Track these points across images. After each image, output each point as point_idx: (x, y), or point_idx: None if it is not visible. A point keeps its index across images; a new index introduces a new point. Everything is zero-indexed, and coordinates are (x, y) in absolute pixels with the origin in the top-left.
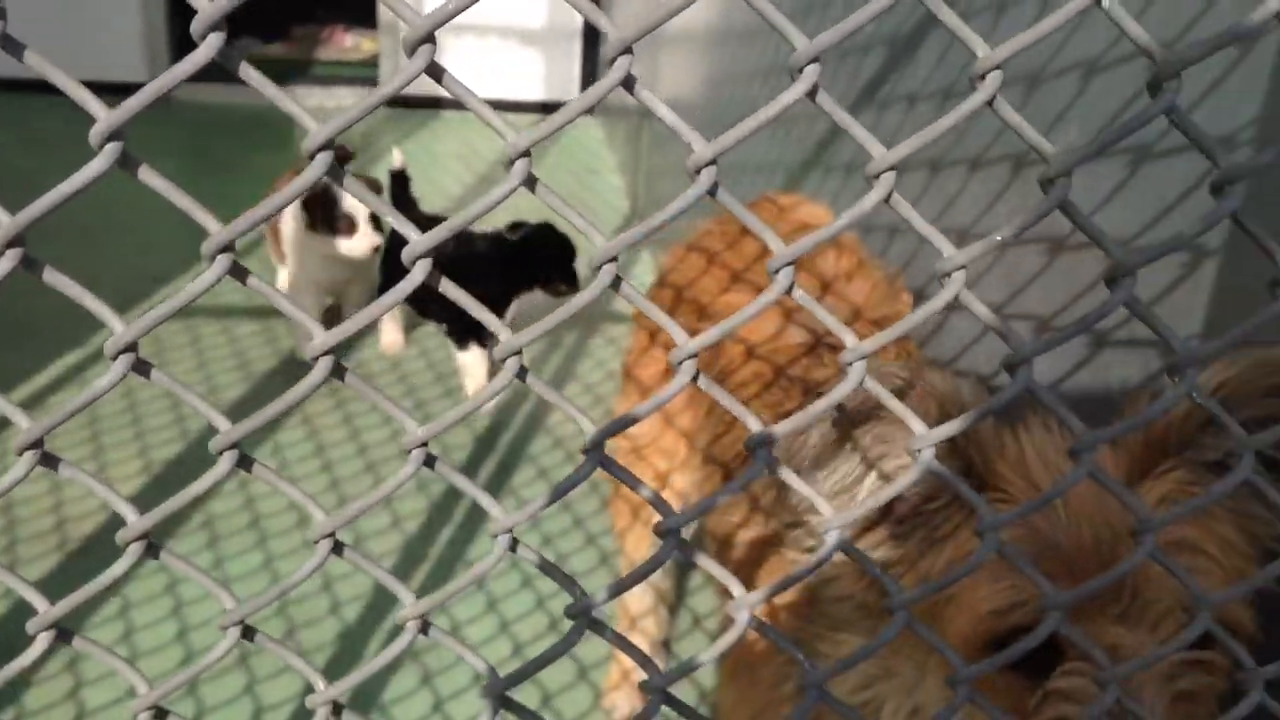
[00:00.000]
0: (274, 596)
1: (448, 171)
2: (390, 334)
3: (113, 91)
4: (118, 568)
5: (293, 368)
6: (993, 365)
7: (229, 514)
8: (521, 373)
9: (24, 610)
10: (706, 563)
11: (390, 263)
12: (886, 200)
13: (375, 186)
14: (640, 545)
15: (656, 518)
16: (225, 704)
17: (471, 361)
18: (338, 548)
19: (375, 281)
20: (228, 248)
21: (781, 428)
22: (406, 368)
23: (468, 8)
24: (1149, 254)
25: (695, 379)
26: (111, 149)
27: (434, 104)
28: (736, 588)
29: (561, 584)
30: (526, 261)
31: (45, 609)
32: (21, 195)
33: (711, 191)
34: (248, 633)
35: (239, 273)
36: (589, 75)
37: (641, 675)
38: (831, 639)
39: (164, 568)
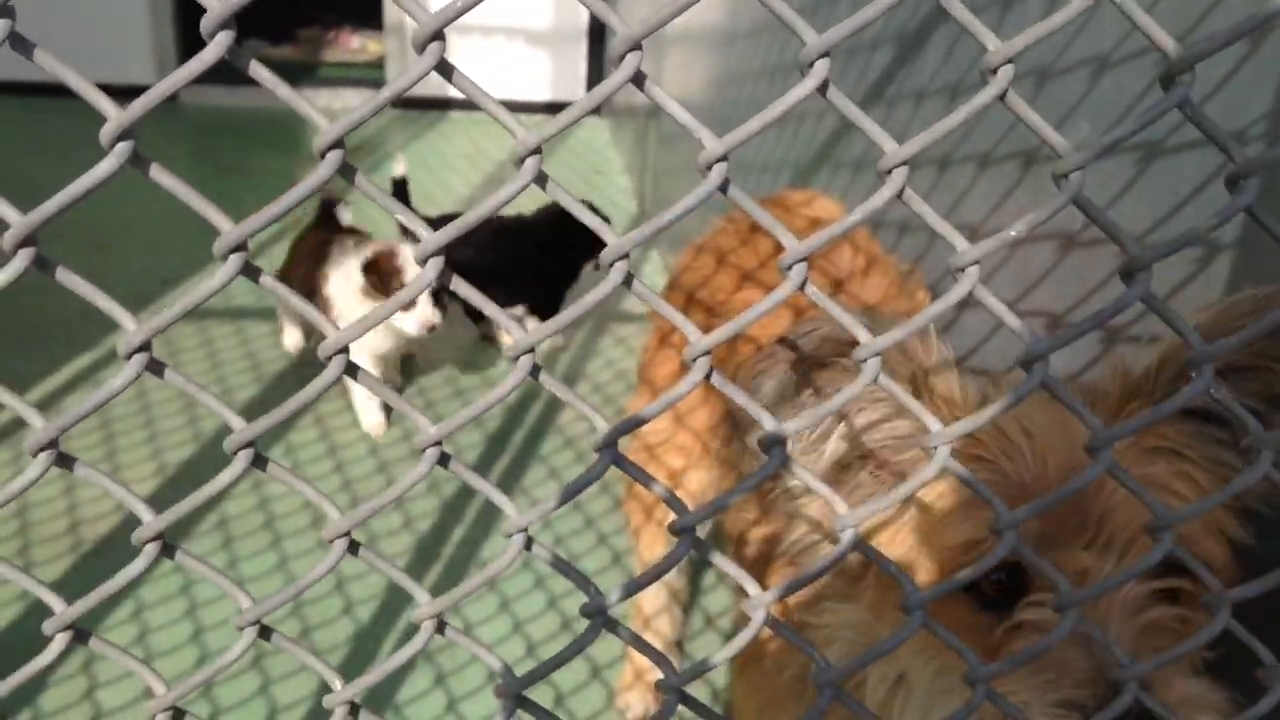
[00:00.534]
0: (290, 596)
1: (456, 172)
2: (372, 415)
3: (121, 94)
4: (134, 568)
5: (304, 368)
6: (1005, 362)
7: (243, 514)
8: (535, 370)
9: (39, 612)
10: (721, 561)
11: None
12: (899, 196)
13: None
14: (654, 545)
15: (671, 517)
16: (240, 704)
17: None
18: (353, 547)
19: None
20: (240, 247)
21: (793, 425)
22: (416, 369)
23: (477, 4)
24: (1164, 249)
25: (708, 377)
26: (122, 148)
27: (443, 105)
28: (752, 586)
29: (576, 583)
30: (586, 233)
31: (61, 609)
32: (31, 198)
33: (723, 187)
34: (264, 632)
35: (251, 272)
36: (595, 75)
37: (656, 675)
38: (815, 609)
39: (179, 568)
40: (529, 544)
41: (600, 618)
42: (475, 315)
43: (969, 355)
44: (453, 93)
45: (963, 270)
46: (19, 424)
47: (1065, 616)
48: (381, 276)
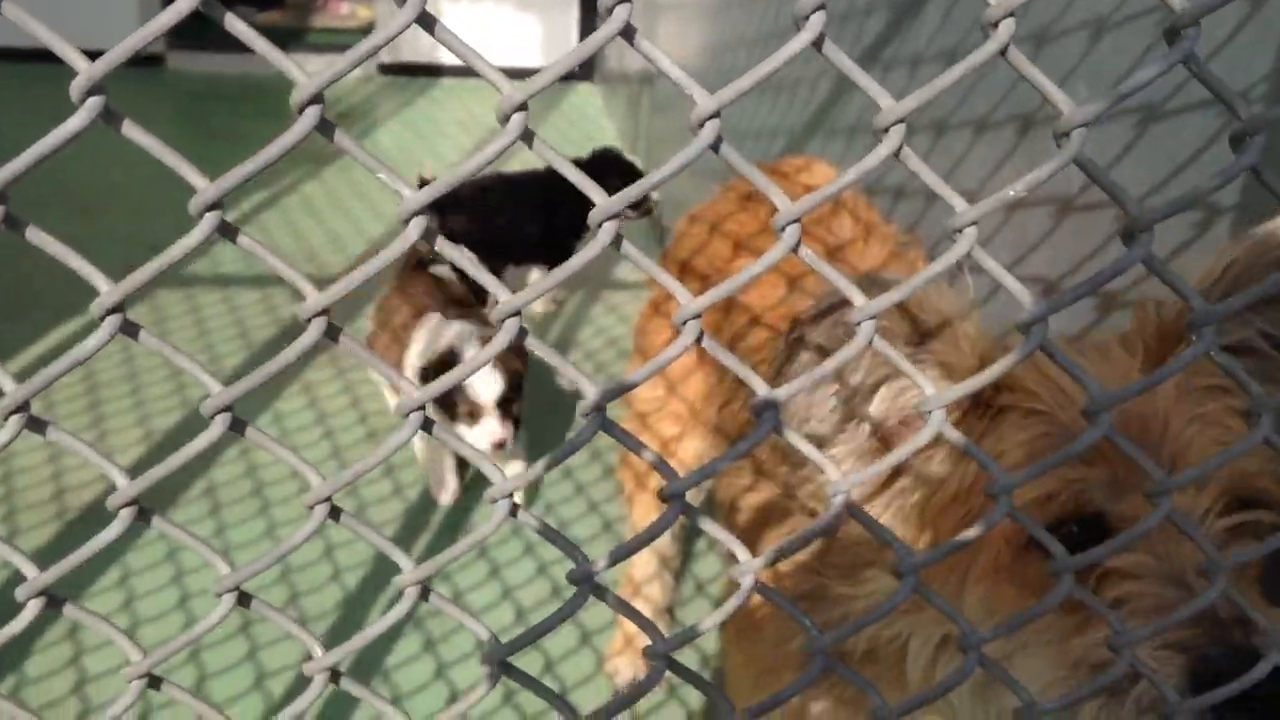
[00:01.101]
0: (270, 562)
1: (447, 138)
2: (452, 486)
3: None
4: (109, 533)
5: (294, 334)
6: (1000, 327)
7: (230, 481)
8: (522, 333)
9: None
10: (710, 527)
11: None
12: (896, 155)
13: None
14: (648, 513)
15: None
16: (227, 670)
17: None
18: (334, 513)
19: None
20: (215, 205)
21: (785, 391)
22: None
23: None
24: (1167, 209)
25: (699, 340)
26: (94, 103)
27: (433, 72)
28: (742, 552)
29: (563, 549)
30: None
31: (34, 575)
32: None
33: (715, 145)
34: (243, 599)
35: (228, 231)
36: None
37: (645, 641)
38: (854, 579)
39: (165, 535)
40: (514, 510)
41: (587, 584)
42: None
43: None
44: (444, 59)
45: (960, 231)
46: None
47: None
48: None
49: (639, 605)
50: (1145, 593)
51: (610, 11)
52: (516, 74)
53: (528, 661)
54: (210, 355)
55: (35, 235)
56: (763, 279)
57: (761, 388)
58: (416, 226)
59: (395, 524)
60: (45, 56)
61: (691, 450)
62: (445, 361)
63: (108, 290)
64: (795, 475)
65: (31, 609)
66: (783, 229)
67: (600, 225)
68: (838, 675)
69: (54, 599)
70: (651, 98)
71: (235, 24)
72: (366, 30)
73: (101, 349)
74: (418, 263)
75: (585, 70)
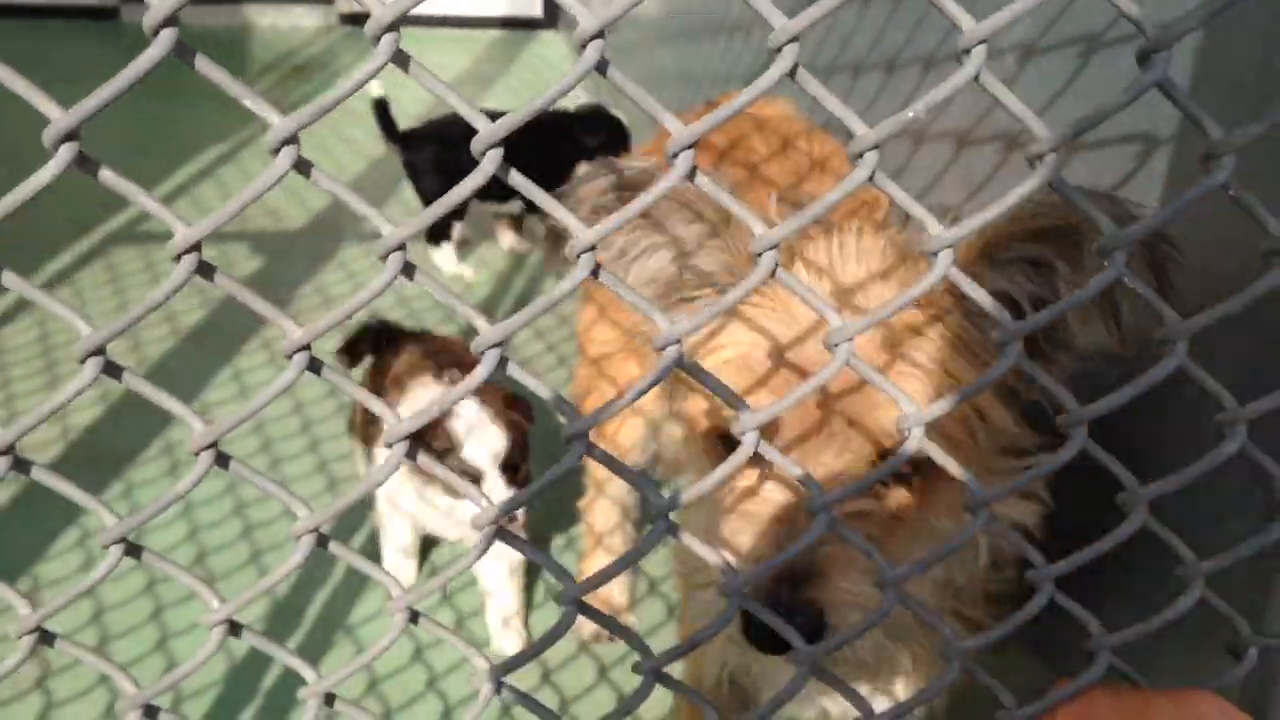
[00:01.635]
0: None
1: (407, 90)
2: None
3: (76, 15)
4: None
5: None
6: None
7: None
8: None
9: None
10: (610, 461)
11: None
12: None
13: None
14: (607, 517)
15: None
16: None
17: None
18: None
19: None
20: (71, 135)
21: (686, 325)
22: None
23: None
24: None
25: (595, 273)
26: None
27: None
28: (654, 496)
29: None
30: (581, 138)
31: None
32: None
33: (600, 68)
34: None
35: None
36: None
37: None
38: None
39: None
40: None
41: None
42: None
43: None
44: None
45: (861, 156)
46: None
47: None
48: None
49: (600, 556)
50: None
51: None
52: (482, 23)
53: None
54: (168, 312)
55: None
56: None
57: (662, 322)
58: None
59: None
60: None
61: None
62: (429, 438)
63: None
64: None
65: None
66: (674, 156)
67: (484, 153)
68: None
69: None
70: (614, 44)
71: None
72: None
73: None
74: (388, 338)
75: (550, 18)
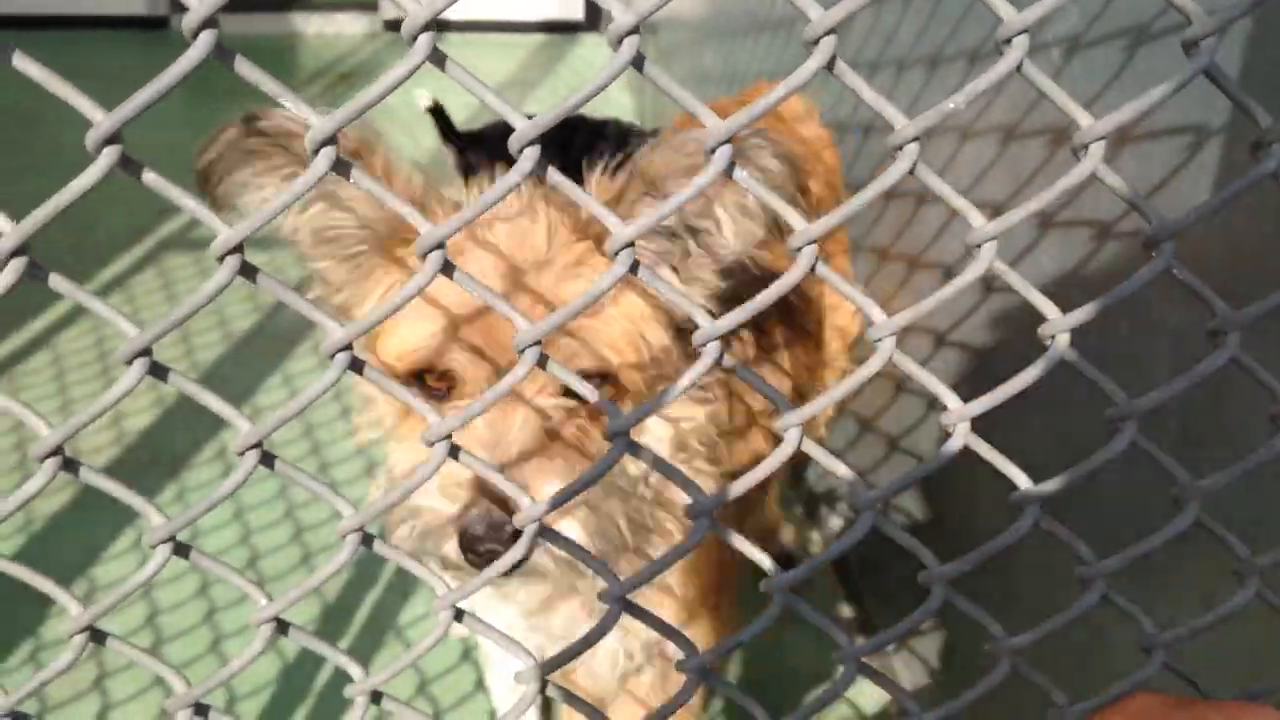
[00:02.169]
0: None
1: (454, 94)
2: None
3: (126, 25)
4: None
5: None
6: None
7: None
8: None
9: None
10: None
11: None
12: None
13: None
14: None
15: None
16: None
17: None
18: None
19: None
20: (113, 138)
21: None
22: None
23: None
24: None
25: (635, 269)
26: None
27: (440, 27)
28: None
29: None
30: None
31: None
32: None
33: (636, 63)
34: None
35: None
36: None
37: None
38: None
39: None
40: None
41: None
42: None
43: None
44: (448, 15)
45: (900, 149)
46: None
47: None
48: None
49: None
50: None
51: None
52: (523, 28)
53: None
54: (220, 316)
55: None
56: None
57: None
58: (325, 158)
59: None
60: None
61: None
62: None
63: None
64: None
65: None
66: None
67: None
68: None
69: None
70: (658, 46)
71: None
72: None
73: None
74: None
75: (592, 21)
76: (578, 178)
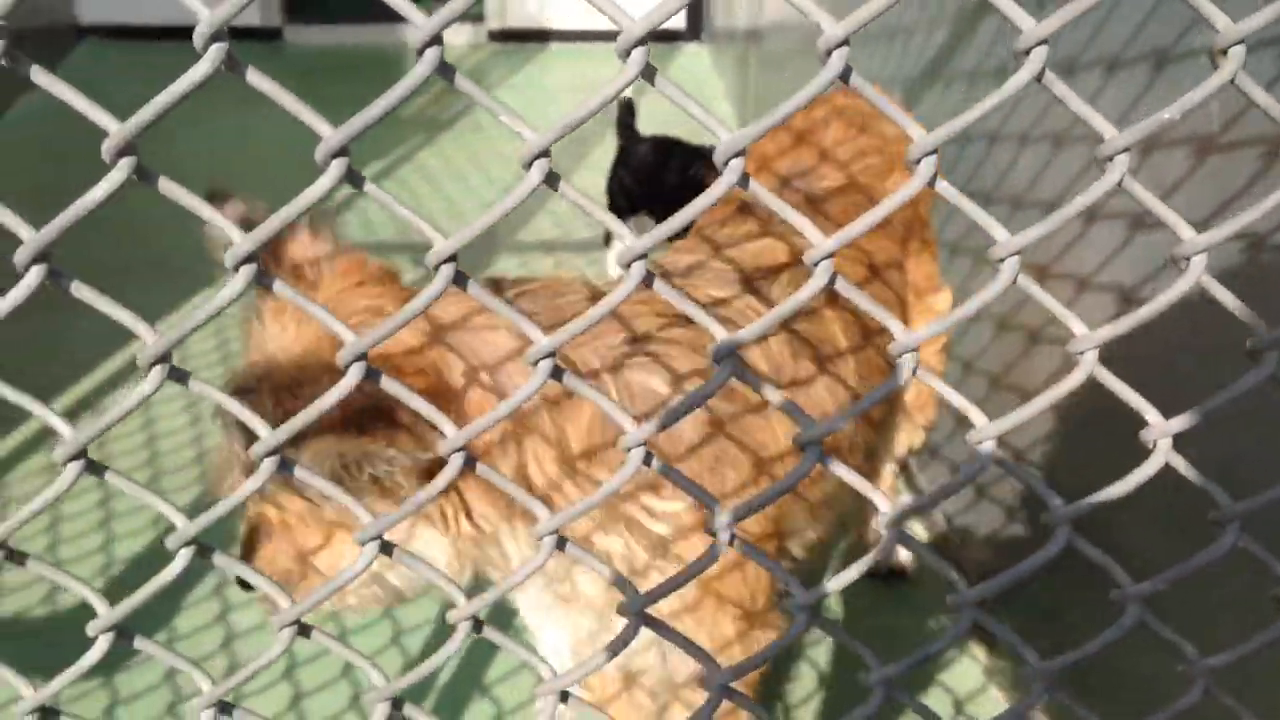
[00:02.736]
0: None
1: (558, 104)
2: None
3: (241, 36)
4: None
5: None
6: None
7: None
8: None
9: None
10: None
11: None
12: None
13: None
14: None
15: None
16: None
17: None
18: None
19: None
20: (341, 151)
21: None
22: None
23: None
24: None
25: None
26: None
27: (541, 37)
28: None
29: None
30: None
31: (183, 525)
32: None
33: (844, 76)
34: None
35: (354, 179)
36: (698, 3)
37: None
38: None
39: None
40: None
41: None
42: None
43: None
44: (552, 24)
45: (1110, 159)
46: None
47: None
48: None
49: None
50: None
51: None
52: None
53: None
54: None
55: (167, 186)
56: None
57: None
58: (538, 170)
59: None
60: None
61: None
62: None
63: (240, 240)
64: None
65: (182, 558)
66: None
67: (728, 162)
68: None
69: (204, 547)
70: (760, 55)
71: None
72: None
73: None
74: None
75: (693, 30)
76: (674, 199)
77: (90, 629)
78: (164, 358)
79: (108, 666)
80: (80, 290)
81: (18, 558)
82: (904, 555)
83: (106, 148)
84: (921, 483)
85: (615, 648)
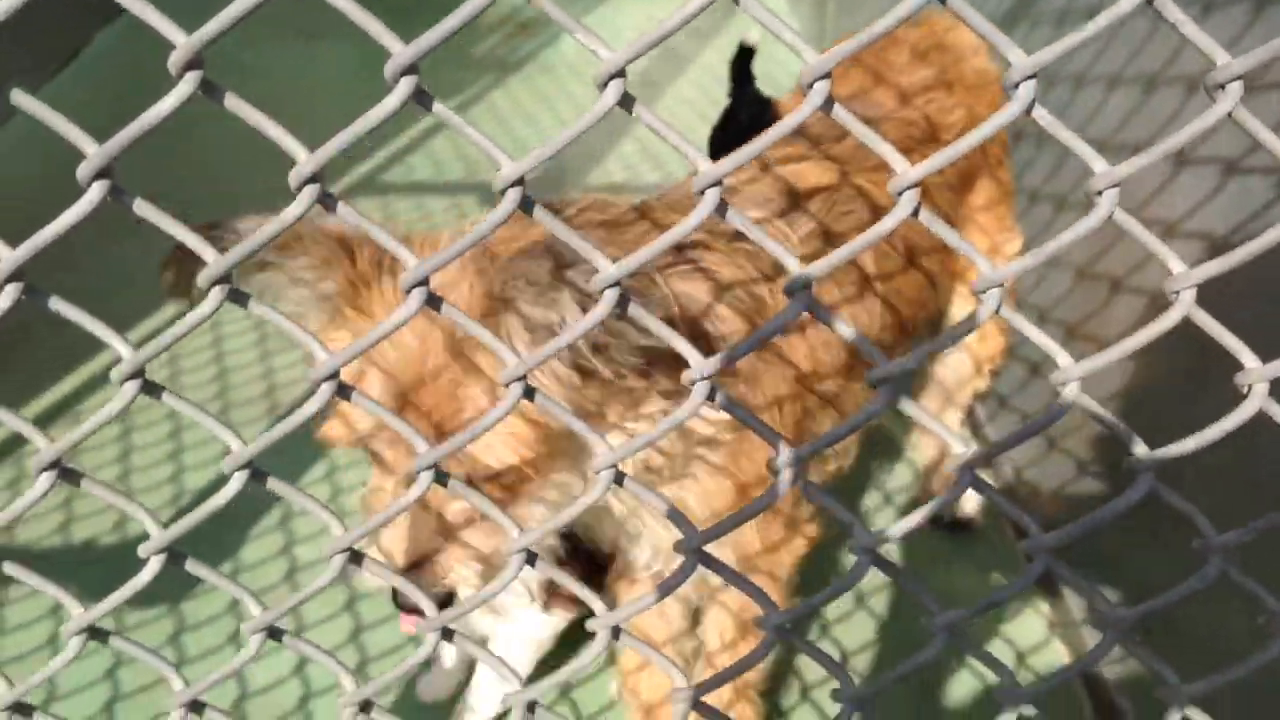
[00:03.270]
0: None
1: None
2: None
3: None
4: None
5: None
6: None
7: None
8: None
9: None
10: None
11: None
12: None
13: None
14: None
15: None
16: None
17: None
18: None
19: None
20: (411, 68)
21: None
22: None
23: None
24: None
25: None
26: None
27: None
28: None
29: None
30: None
31: (239, 447)
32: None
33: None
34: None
35: (423, 99)
36: None
37: None
38: None
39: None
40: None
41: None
42: None
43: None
44: None
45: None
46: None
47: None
48: None
49: None
50: None
51: None
52: None
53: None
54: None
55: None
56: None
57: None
58: (614, 89)
59: None
60: None
61: None
62: None
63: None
64: None
65: (236, 481)
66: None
67: (812, 84)
68: None
69: (258, 472)
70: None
71: None
72: None
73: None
74: None
75: None
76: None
77: (142, 550)
78: (225, 278)
79: (173, 595)
80: (143, 208)
81: (73, 477)
82: (970, 507)
83: (173, 61)
84: (990, 434)
85: (669, 585)
